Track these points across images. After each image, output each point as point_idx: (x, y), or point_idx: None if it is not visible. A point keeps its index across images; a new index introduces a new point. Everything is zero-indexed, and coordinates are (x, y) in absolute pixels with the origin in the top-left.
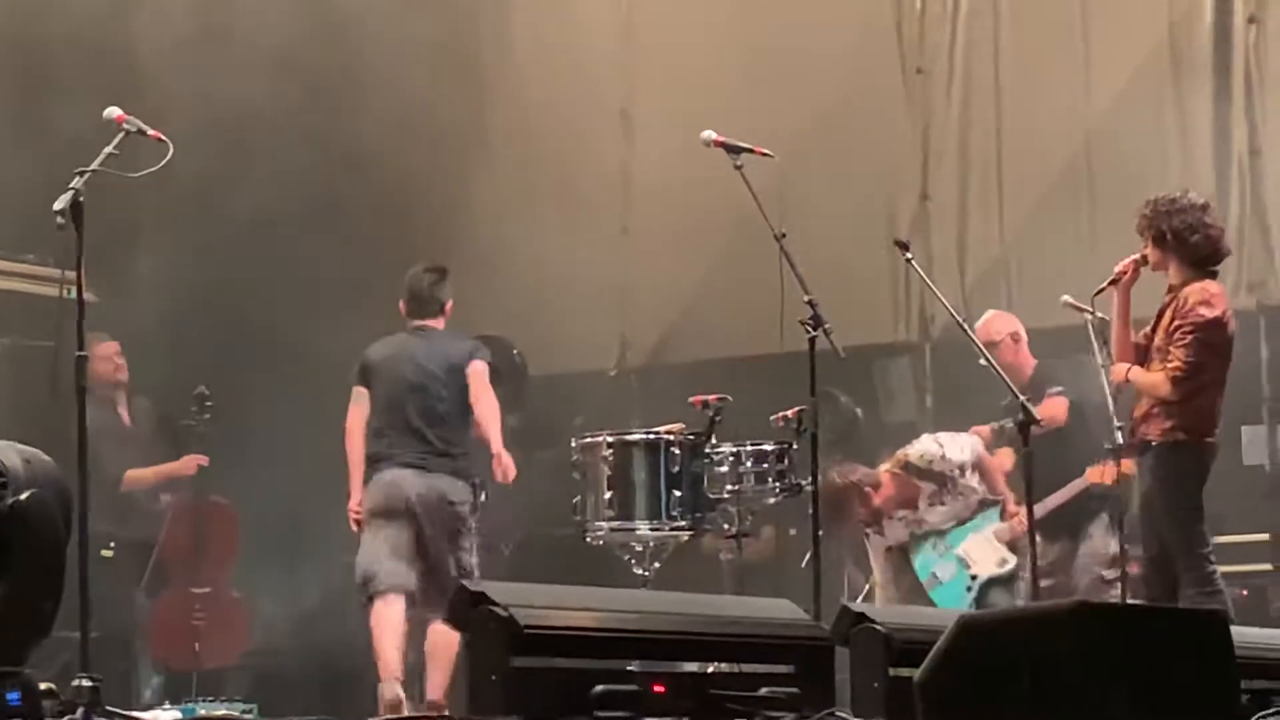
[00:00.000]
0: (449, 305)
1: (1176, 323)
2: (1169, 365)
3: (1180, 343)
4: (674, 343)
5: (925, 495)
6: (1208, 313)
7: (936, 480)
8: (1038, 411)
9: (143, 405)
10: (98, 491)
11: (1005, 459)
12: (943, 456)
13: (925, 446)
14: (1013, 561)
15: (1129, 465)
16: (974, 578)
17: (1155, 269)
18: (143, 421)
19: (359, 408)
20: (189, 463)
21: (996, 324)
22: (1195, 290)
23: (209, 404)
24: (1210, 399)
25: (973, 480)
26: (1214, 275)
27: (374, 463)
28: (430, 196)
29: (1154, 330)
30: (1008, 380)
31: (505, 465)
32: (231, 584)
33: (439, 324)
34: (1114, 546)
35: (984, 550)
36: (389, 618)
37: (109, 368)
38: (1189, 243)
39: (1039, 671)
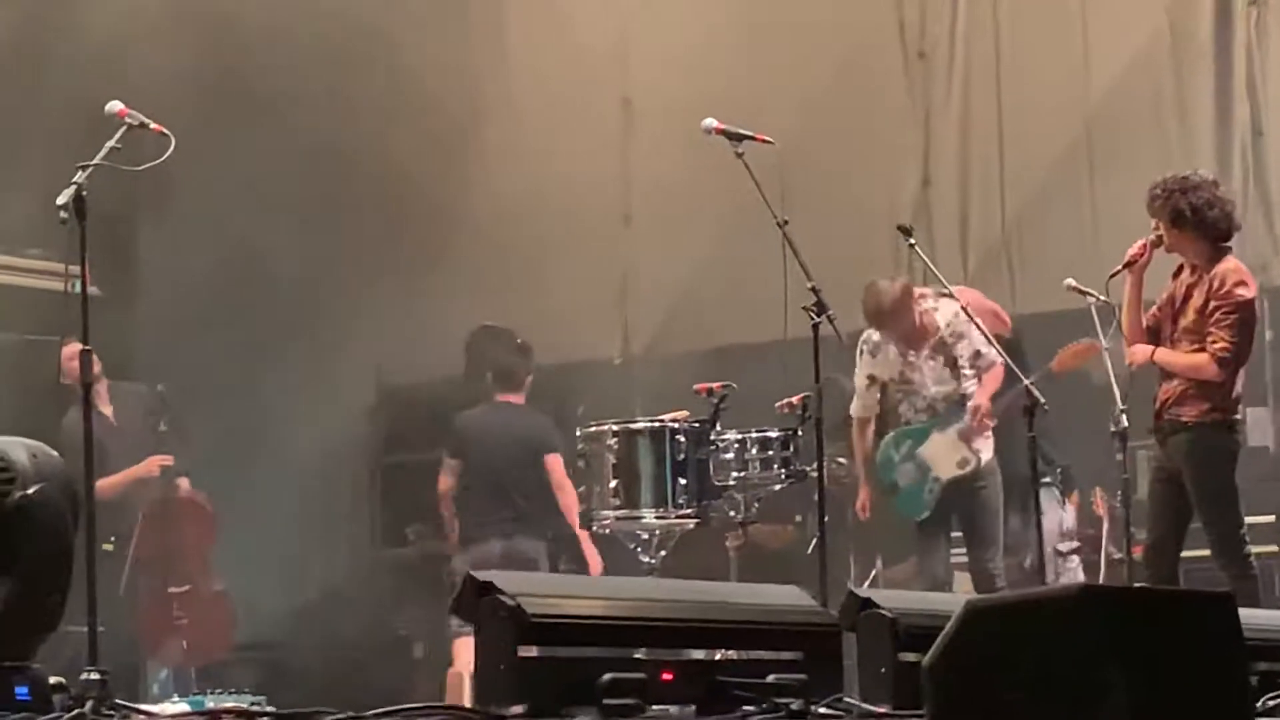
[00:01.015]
0: (529, 380)
1: (1215, 303)
2: (1215, 346)
3: (1223, 324)
4: (676, 331)
5: (927, 345)
6: (1246, 293)
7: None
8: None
9: (134, 392)
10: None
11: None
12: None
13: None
14: (973, 462)
15: (1089, 348)
16: (936, 479)
17: (1170, 250)
18: (132, 411)
19: (449, 476)
20: (152, 464)
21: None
22: (1231, 270)
23: (169, 403)
24: (1235, 379)
25: (960, 348)
26: (1230, 251)
27: (470, 530)
28: (429, 186)
29: (1175, 311)
30: (1012, 364)
31: (588, 548)
32: (213, 578)
33: (520, 398)
34: (1067, 520)
35: (946, 451)
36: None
37: (73, 364)
38: (1207, 219)
39: (1045, 656)
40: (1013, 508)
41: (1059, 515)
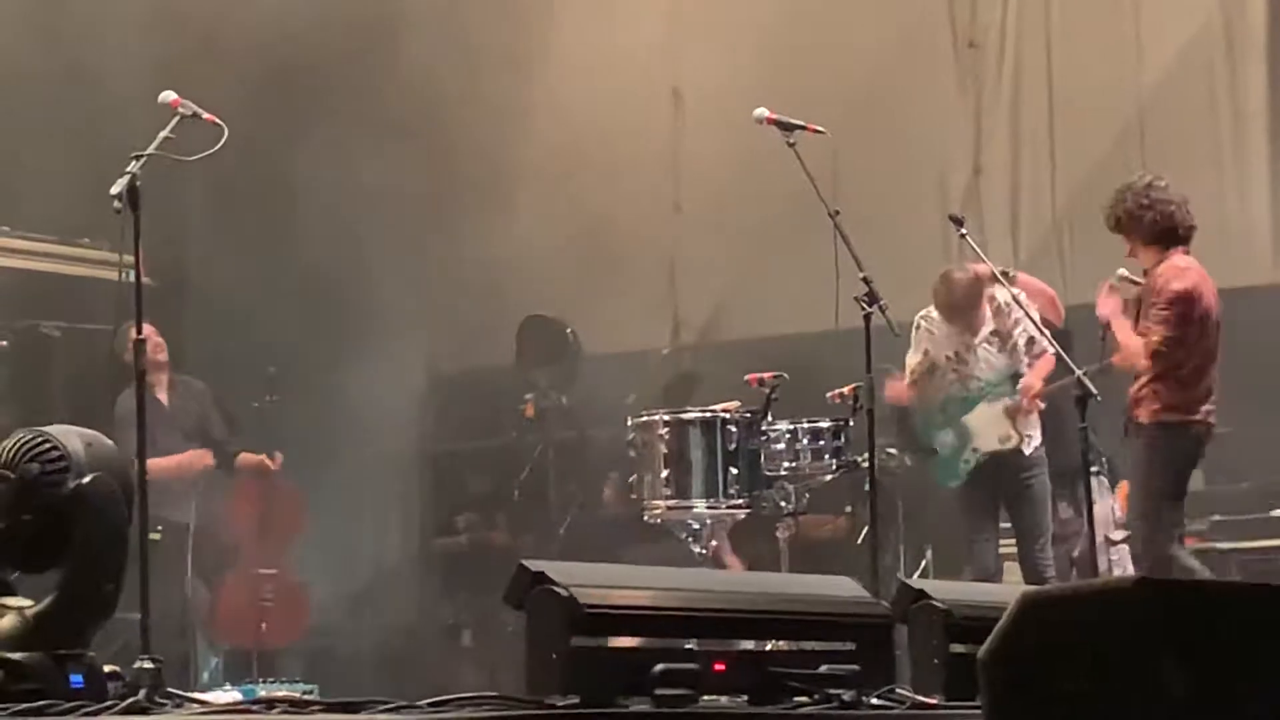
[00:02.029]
0: None
1: (1151, 299)
2: (1150, 340)
3: (1155, 318)
4: (726, 320)
5: (985, 329)
6: (1179, 285)
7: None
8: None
9: (194, 387)
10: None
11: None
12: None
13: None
14: (1014, 439)
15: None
16: (975, 450)
17: (1129, 256)
18: (189, 403)
19: None
20: (198, 457)
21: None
22: (1165, 267)
23: (276, 386)
24: (1195, 376)
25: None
26: (1184, 250)
27: None
28: (479, 173)
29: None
30: (1063, 353)
31: None
32: (295, 567)
33: None
34: (1116, 508)
35: (990, 423)
36: None
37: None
38: (1143, 221)
39: (1102, 647)
40: (1061, 497)
41: (1109, 504)
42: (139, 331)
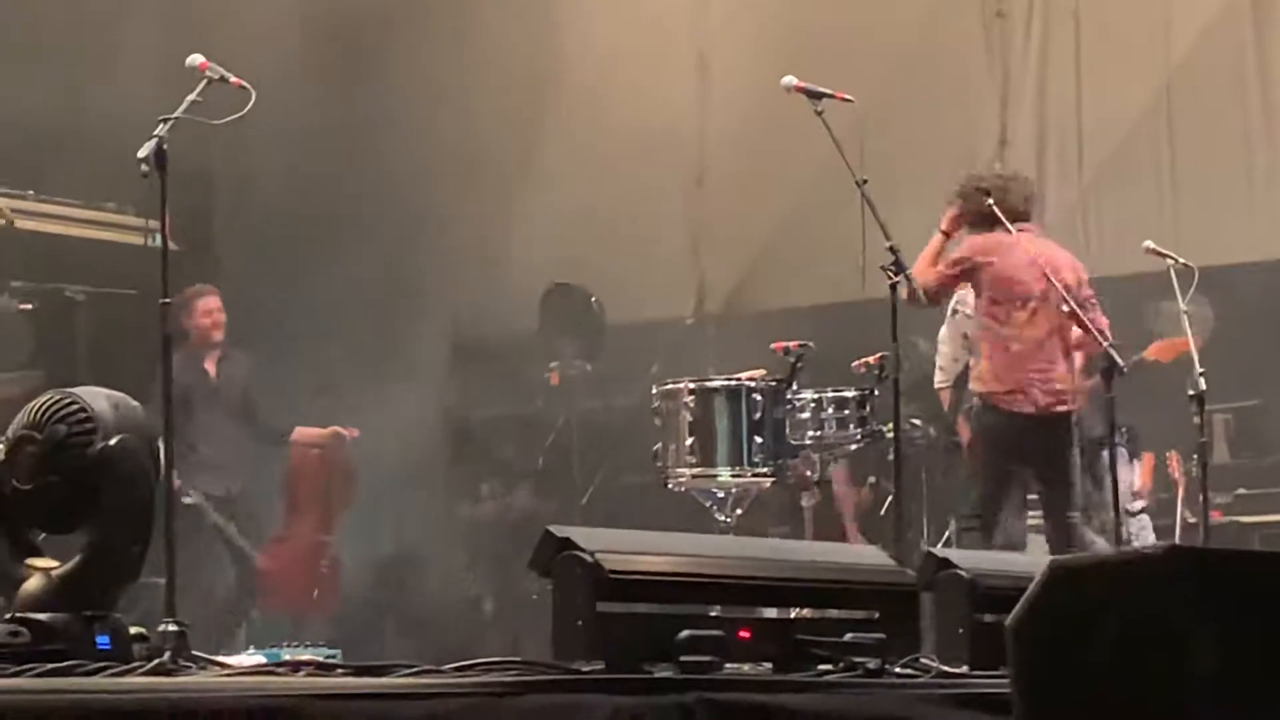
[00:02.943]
0: None
1: None
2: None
3: None
4: (751, 290)
5: None
6: (955, 253)
7: None
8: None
9: (241, 361)
10: (182, 442)
11: None
12: None
13: None
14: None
15: (1177, 346)
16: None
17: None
18: (235, 378)
19: None
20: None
21: None
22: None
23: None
24: (1001, 358)
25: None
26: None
27: None
28: (503, 143)
29: None
30: (1091, 327)
31: None
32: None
33: None
34: (1136, 479)
35: None
36: None
37: (207, 322)
38: (959, 206)
39: (1132, 617)
40: (1082, 468)
41: (1129, 475)
42: (165, 295)
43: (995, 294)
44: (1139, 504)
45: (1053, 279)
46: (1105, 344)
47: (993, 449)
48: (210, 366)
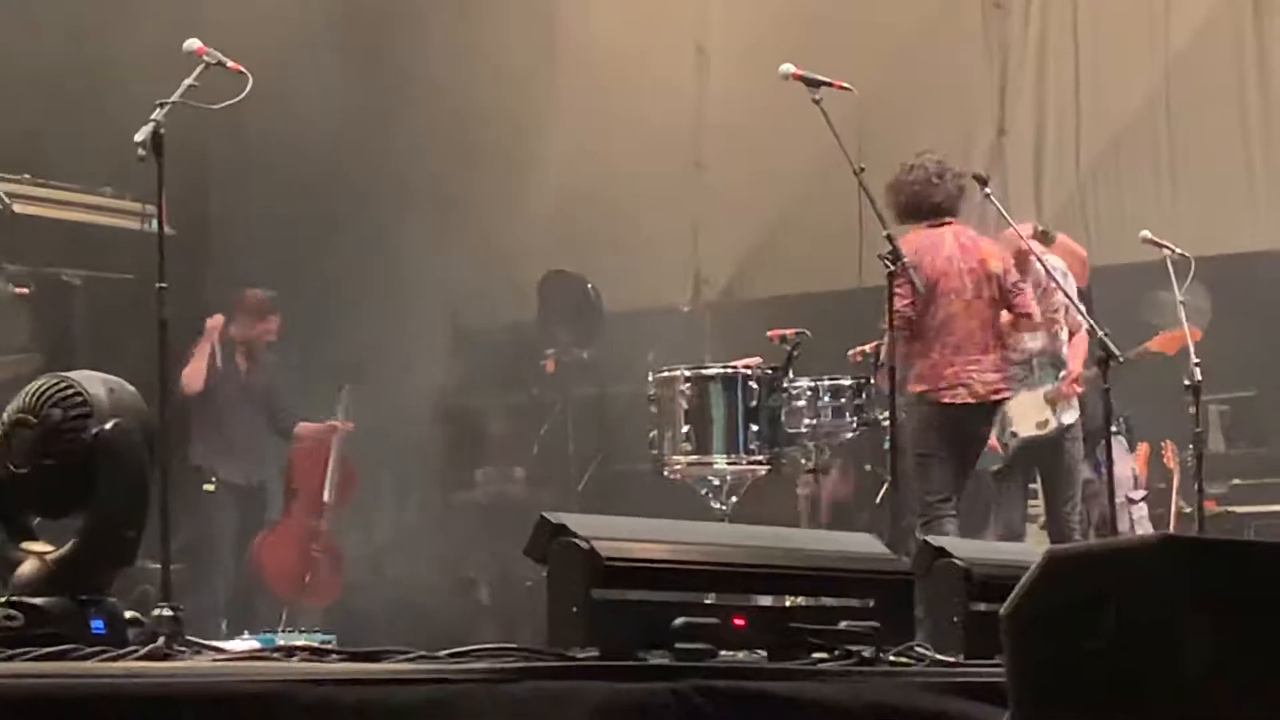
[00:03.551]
0: None
1: None
2: None
3: None
4: (748, 278)
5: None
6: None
7: (1036, 287)
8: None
9: (268, 359)
10: (210, 429)
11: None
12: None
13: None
14: (1054, 425)
15: (1181, 338)
16: (1013, 434)
17: None
18: (263, 375)
19: None
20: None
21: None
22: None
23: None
24: (936, 355)
25: (1057, 299)
26: (938, 223)
27: None
28: (501, 130)
29: None
30: (1086, 315)
31: None
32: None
33: None
34: (1135, 468)
35: (1029, 409)
36: None
37: (268, 338)
38: (890, 203)
39: (1127, 605)
40: (1085, 457)
41: (1128, 464)
42: (161, 278)
43: (925, 293)
44: (1139, 493)
45: (959, 274)
46: (1100, 333)
47: (938, 439)
48: (242, 360)
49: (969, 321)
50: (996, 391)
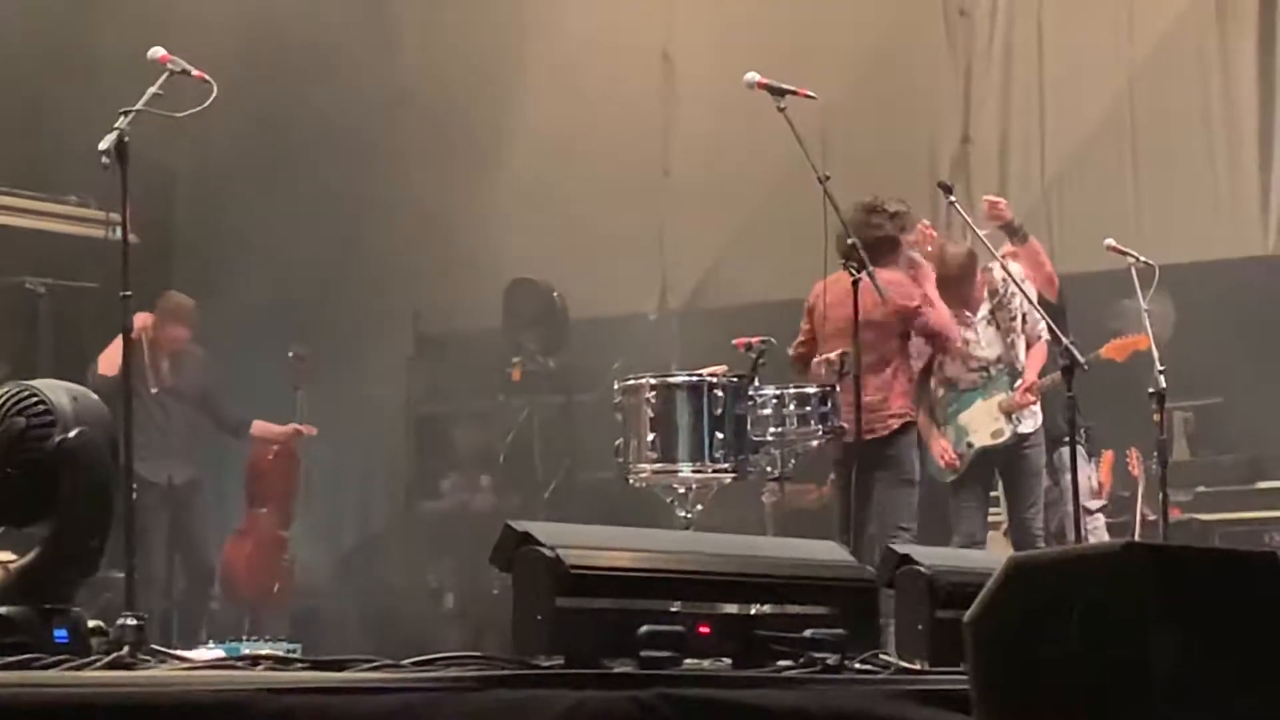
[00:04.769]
0: None
1: None
2: None
3: None
4: (715, 286)
5: (985, 305)
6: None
7: (993, 295)
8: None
9: (196, 354)
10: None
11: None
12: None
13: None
14: (1008, 433)
15: (1132, 345)
16: (969, 445)
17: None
18: (193, 373)
19: None
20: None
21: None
22: None
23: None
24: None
25: (1015, 305)
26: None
27: None
28: (468, 136)
29: None
30: (1051, 323)
31: None
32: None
33: None
34: (1095, 477)
35: (985, 419)
36: None
37: (175, 345)
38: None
39: (1089, 612)
40: (1045, 466)
41: (1087, 473)
42: (126, 287)
43: (822, 334)
44: (1096, 503)
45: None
46: (1066, 340)
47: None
48: (163, 360)
49: (867, 357)
50: (885, 427)
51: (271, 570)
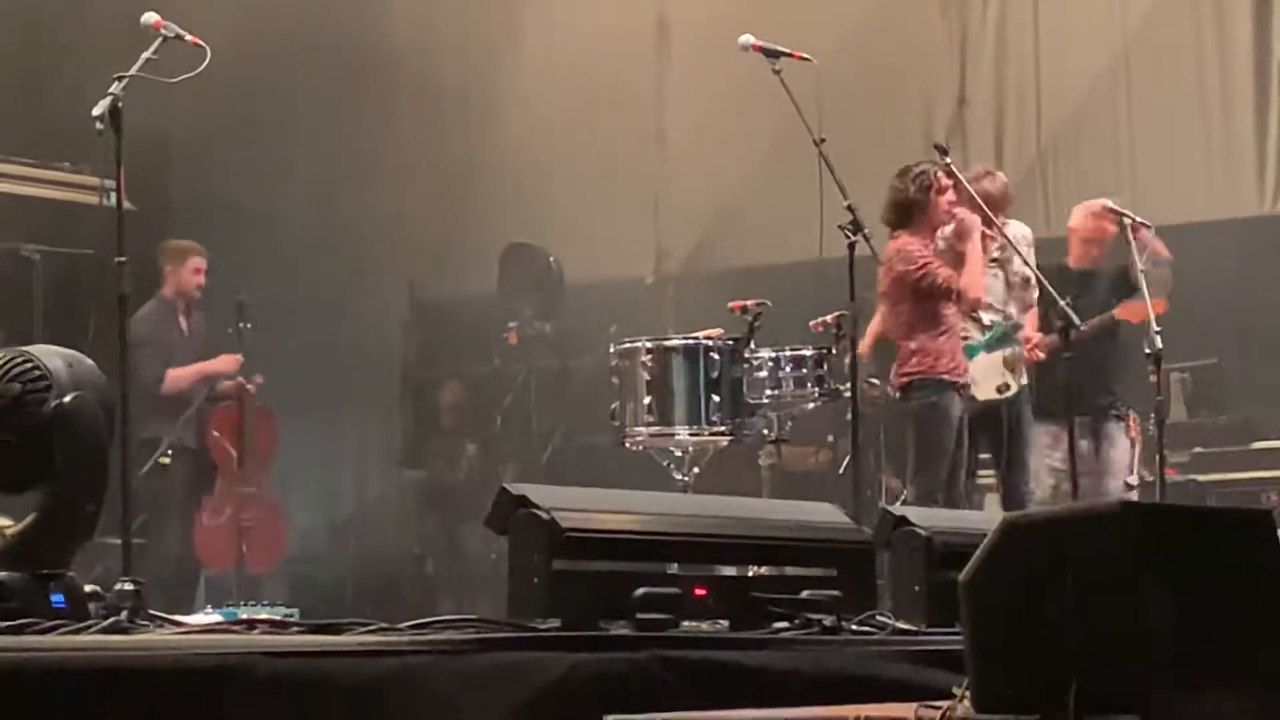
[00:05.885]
0: None
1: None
2: None
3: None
4: (710, 250)
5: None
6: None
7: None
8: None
9: (199, 319)
10: (149, 398)
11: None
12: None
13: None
14: (1014, 388)
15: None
16: (971, 398)
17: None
18: (200, 333)
19: None
20: (227, 361)
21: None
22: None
23: (249, 311)
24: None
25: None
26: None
27: None
28: (463, 102)
29: None
30: (1046, 283)
31: None
32: (273, 489)
33: None
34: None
35: (988, 372)
36: None
37: (198, 279)
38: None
39: (1083, 571)
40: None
41: (1125, 446)
42: (121, 253)
43: None
44: (1135, 478)
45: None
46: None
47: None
48: (184, 321)
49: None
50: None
51: (232, 533)
